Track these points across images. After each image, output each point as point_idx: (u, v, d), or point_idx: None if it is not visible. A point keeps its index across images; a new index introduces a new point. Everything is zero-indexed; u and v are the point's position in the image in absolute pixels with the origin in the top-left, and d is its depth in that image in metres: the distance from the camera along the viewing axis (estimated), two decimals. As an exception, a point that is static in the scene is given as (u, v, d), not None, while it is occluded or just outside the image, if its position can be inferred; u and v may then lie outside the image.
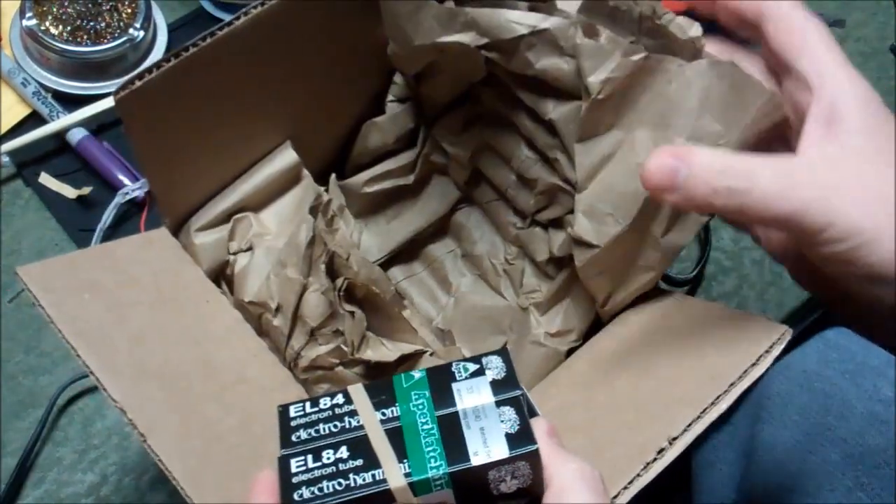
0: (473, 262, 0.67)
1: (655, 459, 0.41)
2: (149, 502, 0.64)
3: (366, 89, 0.61)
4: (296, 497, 0.38)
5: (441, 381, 0.41)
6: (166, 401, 0.46)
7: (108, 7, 0.77)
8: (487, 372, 0.41)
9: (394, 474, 0.38)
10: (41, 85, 0.76)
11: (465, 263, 0.68)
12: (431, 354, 0.57)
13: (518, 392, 0.40)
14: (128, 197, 0.71)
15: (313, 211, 0.53)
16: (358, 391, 0.42)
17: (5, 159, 0.74)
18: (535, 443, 0.38)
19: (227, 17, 0.49)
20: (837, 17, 0.82)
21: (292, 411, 0.42)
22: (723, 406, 0.43)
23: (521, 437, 0.38)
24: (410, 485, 0.38)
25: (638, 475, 0.41)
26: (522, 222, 0.64)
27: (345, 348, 0.54)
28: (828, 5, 0.83)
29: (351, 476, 0.38)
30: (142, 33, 0.76)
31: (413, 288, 0.68)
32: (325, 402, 0.42)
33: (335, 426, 0.41)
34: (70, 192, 0.72)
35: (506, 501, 0.39)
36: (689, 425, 0.42)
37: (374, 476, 0.38)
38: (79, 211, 0.72)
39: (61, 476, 0.65)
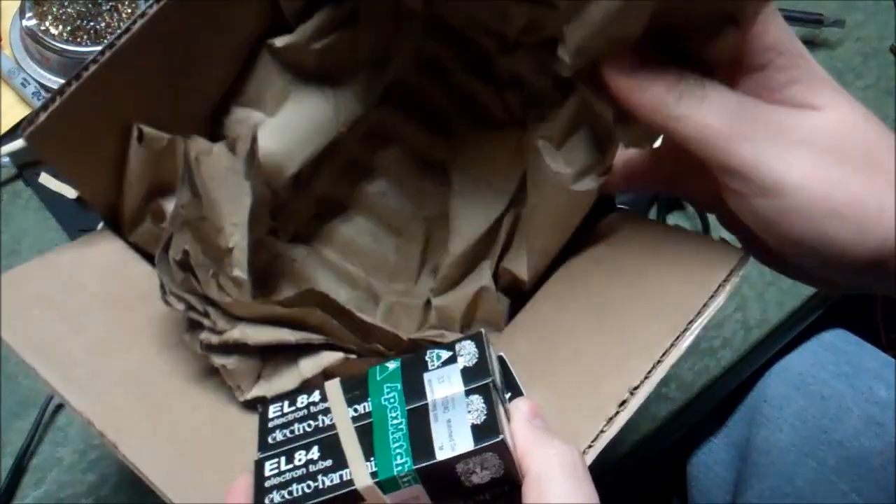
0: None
1: (618, 413, 0.41)
2: (149, 503, 0.64)
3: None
4: (266, 501, 0.38)
5: (413, 372, 0.41)
6: (133, 406, 0.45)
7: (108, 7, 0.77)
8: (459, 359, 0.41)
9: (360, 474, 0.38)
10: (41, 85, 0.76)
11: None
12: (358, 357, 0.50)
13: (487, 380, 0.40)
14: (127, 197, 0.71)
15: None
16: (334, 387, 0.42)
17: (5, 160, 0.74)
18: (499, 433, 0.37)
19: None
20: (837, 17, 0.82)
21: (271, 412, 0.42)
22: (682, 347, 0.41)
23: (486, 428, 0.38)
24: (378, 483, 0.38)
25: (602, 431, 0.40)
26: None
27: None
28: (828, 5, 0.83)
29: (320, 477, 0.39)
30: (142, 33, 0.76)
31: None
32: (302, 401, 0.42)
33: (309, 426, 0.41)
34: (70, 192, 0.72)
35: (482, 492, 0.39)
36: (649, 373, 0.41)
37: (341, 476, 0.38)
38: (79, 211, 0.72)
39: (61, 476, 0.65)
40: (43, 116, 0.45)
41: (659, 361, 0.41)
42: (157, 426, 0.45)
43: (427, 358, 0.41)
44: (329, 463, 0.39)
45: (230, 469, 0.42)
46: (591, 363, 0.45)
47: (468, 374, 0.40)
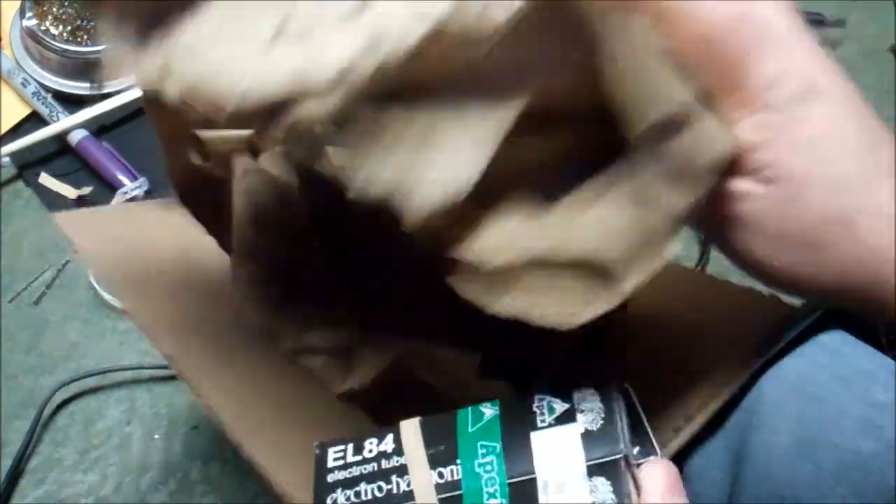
0: None
1: (671, 439, 0.39)
2: (149, 502, 0.64)
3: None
4: None
5: (517, 427, 0.32)
6: (209, 353, 0.44)
7: (108, 7, 0.77)
8: (579, 417, 0.32)
9: None
10: (41, 85, 0.76)
11: None
12: None
13: (617, 454, 0.31)
14: (127, 196, 0.71)
15: None
16: (411, 433, 0.34)
17: (6, 160, 0.74)
18: None
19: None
20: (837, 17, 0.82)
21: (331, 457, 0.35)
22: (739, 381, 0.41)
23: None
24: None
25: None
26: None
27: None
28: (828, 5, 0.83)
29: None
30: (142, 33, 0.76)
31: None
32: (370, 448, 0.34)
33: (379, 489, 0.33)
34: (70, 192, 0.73)
35: None
36: (705, 404, 0.40)
37: None
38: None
39: (62, 476, 0.65)
40: None
41: (716, 394, 0.40)
42: (232, 375, 0.44)
43: (535, 408, 0.33)
44: None
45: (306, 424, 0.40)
46: (645, 394, 0.44)
47: (591, 443, 0.31)
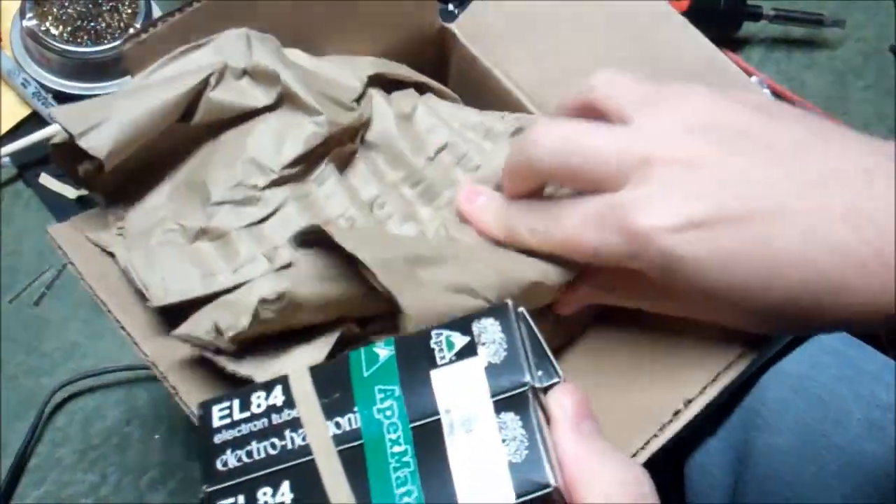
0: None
1: (671, 421, 0.39)
2: (148, 502, 0.64)
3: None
4: None
5: (416, 367, 0.30)
6: (192, 357, 0.45)
7: (108, 7, 0.77)
8: (480, 350, 0.30)
9: None
10: (41, 85, 0.76)
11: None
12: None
13: (524, 386, 0.29)
14: (128, 197, 0.71)
15: None
16: (302, 383, 0.31)
17: (6, 160, 0.74)
18: (549, 481, 0.28)
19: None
20: (837, 17, 0.82)
21: (216, 415, 0.32)
22: (740, 367, 0.40)
23: (531, 470, 0.28)
24: None
25: (654, 436, 0.38)
26: None
27: None
28: (828, 5, 0.83)
29: None
30: (142, 33, 0.76)
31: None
32: (258, 401, 0.32)
33: (272, 446, 0.31)
34: (70, 192, 0.72)
35: None
36: (705, 388, 0.40)
37: None
38: (79, 211, 0.72)
39: (61, 476, 0.65)
40: (143, 36, 0.47)
41: (714, 380, 0.40)
42: (215, 379, 0.44)
43: (433, 344, 0.31)
44: None
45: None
46: (641, 379, 0.43)
47: (495, 376, 0.30)
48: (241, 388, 0.33)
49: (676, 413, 0.40)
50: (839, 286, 0.34)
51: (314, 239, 0.41)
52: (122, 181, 0.48)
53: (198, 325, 0.42)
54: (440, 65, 0.62)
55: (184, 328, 0.42)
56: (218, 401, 0.32)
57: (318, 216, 0.47)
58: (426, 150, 0.52)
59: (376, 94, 0.52)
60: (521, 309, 0.32)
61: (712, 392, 0.40)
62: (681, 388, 0.40)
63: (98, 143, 0.45)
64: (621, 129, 0.38)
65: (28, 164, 0.74)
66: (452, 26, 0.61)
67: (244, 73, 0.49)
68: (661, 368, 0.43)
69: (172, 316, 0.46)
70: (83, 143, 0.44)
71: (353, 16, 0.53)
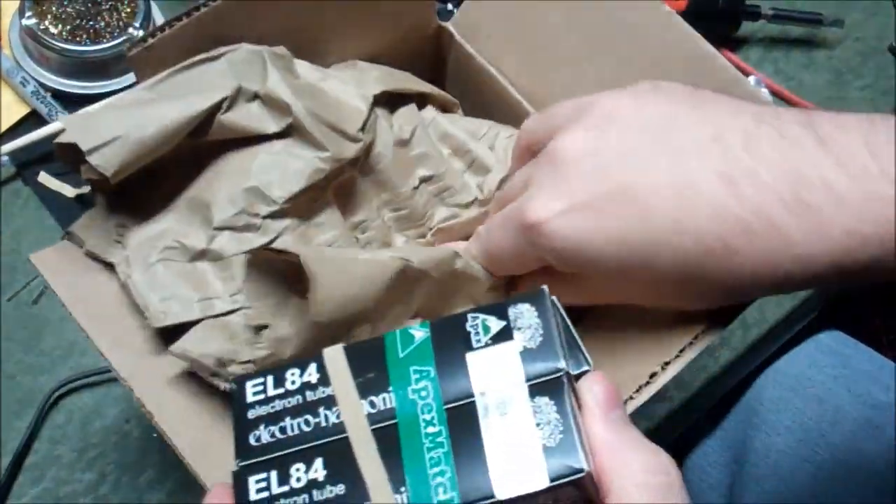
0: None
1: (648, 383, 0.39)
2: (147, 501, 0.64)
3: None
4: None
5: (451, 349, 0.31)
6: (175, 379, 0.46)
7: (107, 6, 0.77)
8: (516, 335, 0.30)
9: None
10: (40, 84, 0.76)
11: None
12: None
13: (559, 372, 0.29)
14: (127, 196, 0.71)
15: None
16: (336, 361, 0.32)
17: (4, 159, 0.74)
18: (583, 465, 0.28)
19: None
20: (837, 17, 0.82)
21: (249, 391, 0.32)
22: (718, 331, 0.41)
23: (564, 455, 0.28)
24: None
25: (631, 397, 0.39)
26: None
27: None
28: (828, 5, 0.83)
29: None
30: (141, 33, 0.76)
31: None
32: (292, 379, 0.32)
33: (306, 422, 0.31)
34: (69, 191, 0.72)
35: None
36: (682, 350, 0.40)
37: None
38: (78, 210, 0.72)
39: (59, 474, 0.65)
40: (150, 41, 0.48)
41: (691, 343, 0.41)
42: (193, 402, 0.45)
43: (469, 327, 0.31)
44: (341, 490, 0.29)
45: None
46: (618, 347, 0.44)
47: (531, 360, 0.30)
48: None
49: (653, 375, 0.40)
50: (723, 251, 0.36)
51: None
52: (125, 185, 0.48)
53: (196, 345, 0.45)
54: (438, 63, 0.62)
55: (182, 345, 0.44)
56: (252, 377, 0.32)
57: (309, 244, 0.49)
58: (413, 178, 0.53)
59: (380, 118, 0.53)
60: (554, 297, 0.32)
61: (690, 355, 0.41)
62: (657, 354, 0.40)
63: (107, 161, 0.45)
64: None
65: (27, 162, 0.74)
66: (450, 25, 0.61)
67: (256, 96, 0.49)
68: (636, 342, 0.43)
69: (164, 334, 0.47)
70: (92, 160, 0.45)
71: (353, 16, 0.54)
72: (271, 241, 0.47)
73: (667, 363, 0.40)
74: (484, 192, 0.56)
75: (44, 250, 0.49)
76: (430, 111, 0.58)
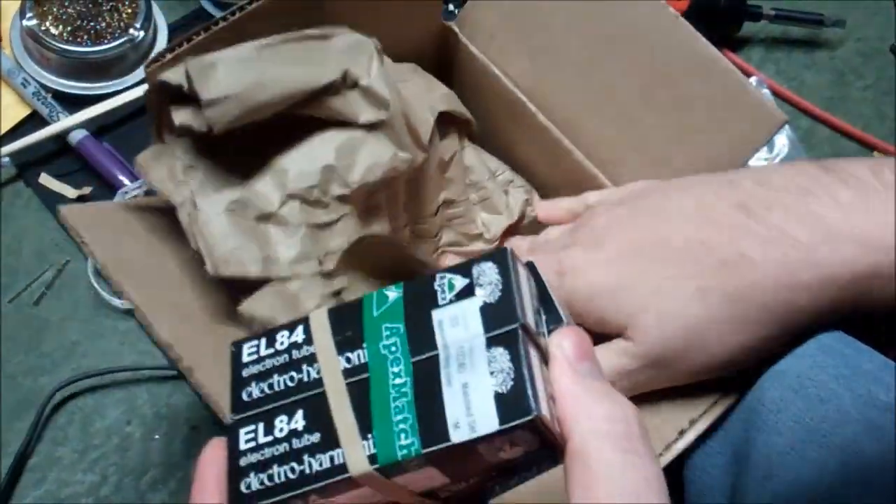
0: None
1: (676, 440, 0.41)
2: (149, 502, 0.64)
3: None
4: (242, 488, 0.32)
5: (420, 308, 0.32)
6: (207, 342, 0.46)
7: (108, 7, 0.77)
8: (478, 290, 0.32)
9: (356, 457, 0.31)
10: (41, 85, 0.76)
11: None
12: None
13: (514, 324, 0.31)
14: (127, 196, 0.71)
15: None
16: (320, 322, 0.34)
17: (5, 160, 0.74)
18: (531, 409, 0.29)
19: (226, 20, 0.50)
20: (837, 17, 0.82)
21: (245, 352, 0.35)
22: (735, 394, 0.42)
23: (515, 400, 0.29)
24: (378, 469, 0.30)
25: (660, 454, 0.40)
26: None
27: None
28: (828, 5, 0.83)
29: (306, 459, 0.32)
30: (142, 33, 0.76)
31: None
32: (282, 339, 0.34)
33: (291, 378, 0.33)
34: (70, 192, 0.72)
35: (515, 465, 0.32)
36: (707, 409, 0.42)
37: (332, 459, 0.31)
38: (79, 211, 0.72)
39: (61, 476, 0.65)
40: (169, 56, 0.48)
41: (716, 402, 0.43)
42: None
43: (437, 286, 0.32)
44: (316, 438, 0.32)
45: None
46: (645, 399, 0.46)
47: (489, 315, 0.31)
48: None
49: (681, 432, 0.41)
50: (743, 263, 0.44)
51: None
52: (211, 147, 0.49)
53: (262, 308, 0.47)
54: (443, 64, 0.62)
55: (249, 306, 0.47)
56: (248, 340, 0.35)
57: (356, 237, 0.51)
58: (439, 199, 0.56)
59: (434, 137, 0.55)
60: (532, 260, 0.34)
61: (716, 412, 0.42)
62: (683, 413, 0.42)
63: (220, 116, 0.46)
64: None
65: (28, 163, 0.74)
66: (454, 25, 0.61)
67: (356, 84, 0.50)
68: (663, 397, 0.44)
69: (203, 293, 0.48)
70: (208, 112, 0.46)
71: (358, 15, 0.54)
72: (333, 222, 0.49)
73: (693, 421, 0.43)
74: (491, 232, 0.59)
75: (71, 206, 0.49)
76: (466, 144, 0.60)
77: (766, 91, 0.79)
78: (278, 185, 0.49)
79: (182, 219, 0.48)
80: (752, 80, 0.80)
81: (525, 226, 0.61)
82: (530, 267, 0.34)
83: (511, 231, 0.61)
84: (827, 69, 0.83)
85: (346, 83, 0.50)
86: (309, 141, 0.50)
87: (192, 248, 0.48)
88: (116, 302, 0.69)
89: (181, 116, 0.48)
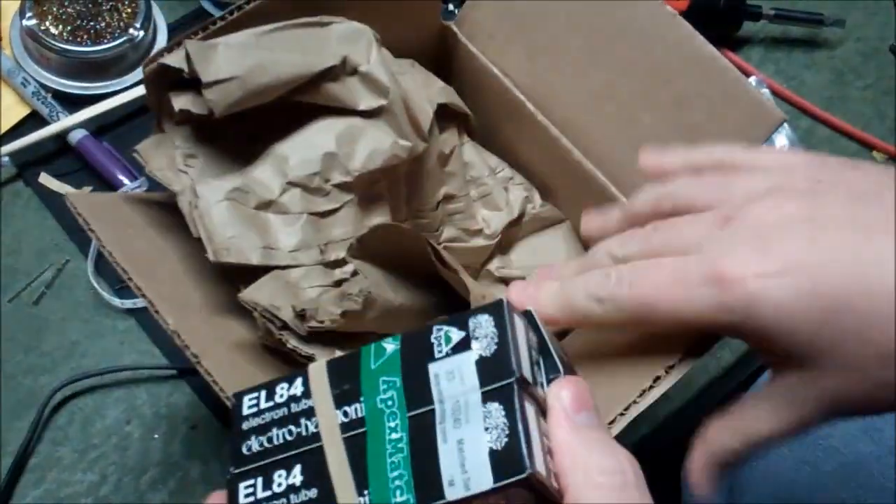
0: None
1: (652, 387, 0.39)
2: (148, 502, 0.64)
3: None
4: None
5: (416, 361, 0.32)
6: (210, 331, 0.47)
7: (108, 7, 0.77)
8: (474, 344, 0.31)
9: None
10: (41, 85, 0.76)
11: None
12: None
13: (509, 378, 0.30)
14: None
15: None
16: (319, 375, 0.34)
17: (5, 160, 0.74)
18: (525, 467, 0.29)
19: (227, 18, 0.50)
20: (837, 17, 0.82)
21: (246, 404, 0.35)
22: (711, 344, 0.41)
23: (509, 458, 0.29)
24: None
25: (634, 402, 0.39)
26: None
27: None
28: (828, 5, 0.83)
29: None
30: (142, 33, 0.76)
31: None
32: (281, 392, 0.34)
33: (290, 432, 0.34)
34: (70, 191, 0.72)
35: None
36: (686, 355, 0.40)
37: None
38: (79, 211, 0.72)
39: (61, 475, 0.65)
40: (164, 57, 0.48)
41: (696, 346, 0.40)
42: (233, 351, 0.47)
43: (433, 339, 0.32)
44: (314, 493, 0.32)
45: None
46: (623, 350, 0.44)
47: (485, 369, 0.31)
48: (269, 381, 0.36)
49: (657, 379, 0.40)
50: None
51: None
52: (204, 120, 0.49)
53: (263, 295, 0.47)
54: (442, 64, 0.62)
55: (250, 293, 0.47)
56: (248, 392, 0.35)
57: (359, 227, 0.51)
58: (440, 193, 0.56)
59: (434, 129, 0.55)
60: (531, 309, 0.34)
61: (690, 362, 0.40)
62: (663, 357, 0.40)
63: (220, 99, 0.46)
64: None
65: (28, 163, 0.74)
66: (453, 25, 0.61)
67: (355, 71, 0.50)
68: (642, 341, 0.43)
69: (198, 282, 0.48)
70: (208, 93, 0.46)
71: (357, 14, 0.54)
72: (335, 210, 0.49)
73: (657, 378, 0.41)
74: (491, 228, 0.58)
75: (78, 192, 0.49)
76: (466, 140, 0.60)
77: (765, 91, 0.79)
78: (278, 172, 0.49)
79: (182, 206, 0.49)
80: (752, 79, 0.80)
81: (526, 223, 0.61)
82: (528, 316, 0.34)
83: (512, 227, 0.60)
84: (827, 69, 0.83)
85: (345, 69, 0.50)
86: (309, 128, 0.51)
87: (193, 238, 0.48)
88: (116, 302, 0.69)
89: (181, 102, 0.48)
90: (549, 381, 0.33)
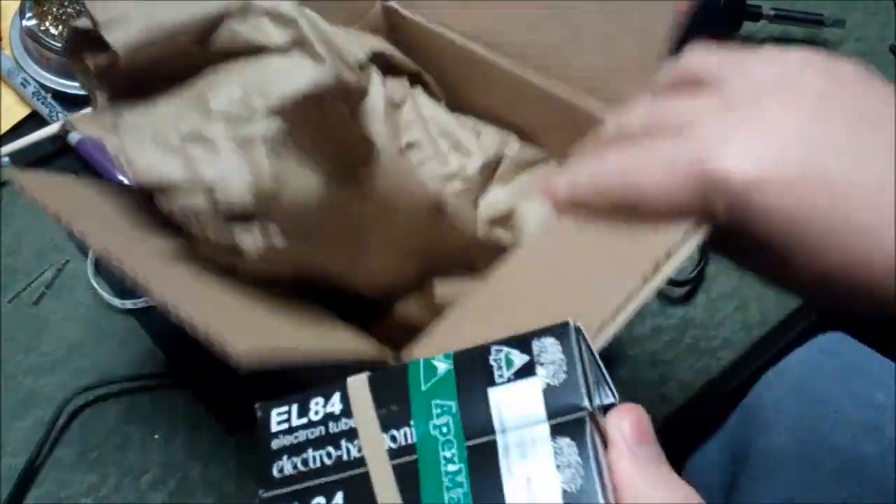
0: None
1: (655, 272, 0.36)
2: (148, 502, 0.64)
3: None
4: None
5: (474, 384, 0.30)
6: (173, 281, 0.44)
7: (107, 7, 0.77)
8: (539, 370, 0.29)
9: None
10: (41, 85, 0.76)
11: None
12: None
13: (582, 412, 0.28)
14: (127, 197, 0.71)
15: None
16: (360, 392, 0.31)
17: (5, 160, 0.74)
18: None
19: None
20: (837, 17, 0.82)
21: (274, 420, 0.32)
22: (699, 237, 0.38)
23: (584, 498, 0.27)
24: None
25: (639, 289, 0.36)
26: None
27: None
28: (828, 5, 0.83)
29: None
30: (141, 33, 0.76)
31: None
32: (316, 408, 0.32)
33: (328, 455, 0.31)
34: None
35: None
36: (683, 243, 0.37)
37: None
38: (79, 211, 0.72)
39: (61, 476, 0.65)
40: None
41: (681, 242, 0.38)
42: (210, 300, 0.44)
43: (493, 361, 0.30)
44: None
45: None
46: (600, 262, 0.41)
47: (553, 399, 0.29)
48: (300, 393, 0.33)
49: (657, 267, 0.37)
50: None
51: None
52: (129, 87, 0.49)
53: (158, 169, 0.46)
54: (392, 44, 0.62)
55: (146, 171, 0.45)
56: (276, 404, 0.32)
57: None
58: (399, 141, 0.54)
59: (374, 73, 0.54)
60: (580, 324, 0.31)
61: (675, 262, 0.38)
62: (658, 248, 0.38)
63: (119, 36, 0.46)
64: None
65: (28, 164, 0.74)
66: (392, 3, 0.62)
67: (266, 13, 0.50)
68: (617, 255, 0.40)
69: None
70: (106, 33, 0.46)
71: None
72: (262, 137, 0.47)
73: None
74: (467, 172, 0.57)
75: (28, 173, 0.49)
76: (419, 92, 0.59)
77: (765, 91, 0.79)
78: (201, 112, 0.48)
79: (110, 151, 0.48)
80: (752, 79, 0.79)
81: (506, 166, 0.59)
82: (581, 333, 0.31)
83: (488, 170, 0.58)
84: (827, 69, 0.83)
85: (254, 13, 0.49)
86: (226, 69, 0.50)
87: (149, 215, 0.48)
88: (116, 302, 0.69)
89: (95, 60, 0.48)
90: (605, 407, 0.31)
